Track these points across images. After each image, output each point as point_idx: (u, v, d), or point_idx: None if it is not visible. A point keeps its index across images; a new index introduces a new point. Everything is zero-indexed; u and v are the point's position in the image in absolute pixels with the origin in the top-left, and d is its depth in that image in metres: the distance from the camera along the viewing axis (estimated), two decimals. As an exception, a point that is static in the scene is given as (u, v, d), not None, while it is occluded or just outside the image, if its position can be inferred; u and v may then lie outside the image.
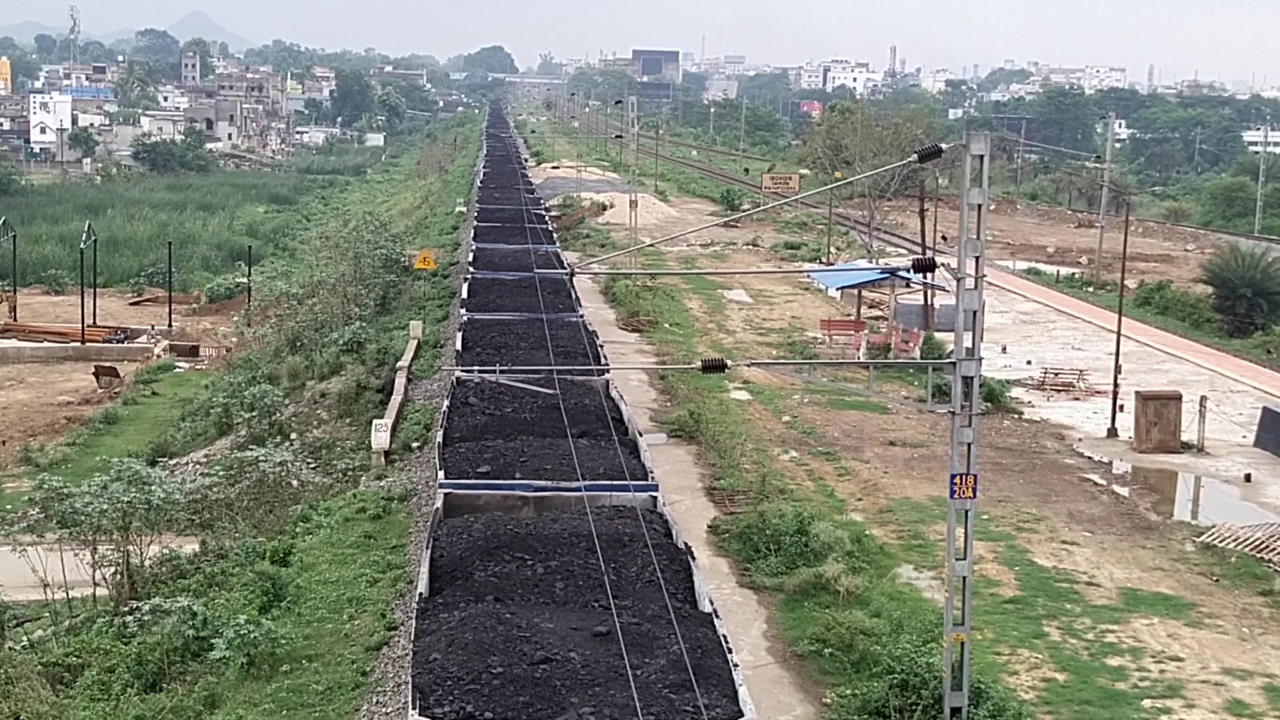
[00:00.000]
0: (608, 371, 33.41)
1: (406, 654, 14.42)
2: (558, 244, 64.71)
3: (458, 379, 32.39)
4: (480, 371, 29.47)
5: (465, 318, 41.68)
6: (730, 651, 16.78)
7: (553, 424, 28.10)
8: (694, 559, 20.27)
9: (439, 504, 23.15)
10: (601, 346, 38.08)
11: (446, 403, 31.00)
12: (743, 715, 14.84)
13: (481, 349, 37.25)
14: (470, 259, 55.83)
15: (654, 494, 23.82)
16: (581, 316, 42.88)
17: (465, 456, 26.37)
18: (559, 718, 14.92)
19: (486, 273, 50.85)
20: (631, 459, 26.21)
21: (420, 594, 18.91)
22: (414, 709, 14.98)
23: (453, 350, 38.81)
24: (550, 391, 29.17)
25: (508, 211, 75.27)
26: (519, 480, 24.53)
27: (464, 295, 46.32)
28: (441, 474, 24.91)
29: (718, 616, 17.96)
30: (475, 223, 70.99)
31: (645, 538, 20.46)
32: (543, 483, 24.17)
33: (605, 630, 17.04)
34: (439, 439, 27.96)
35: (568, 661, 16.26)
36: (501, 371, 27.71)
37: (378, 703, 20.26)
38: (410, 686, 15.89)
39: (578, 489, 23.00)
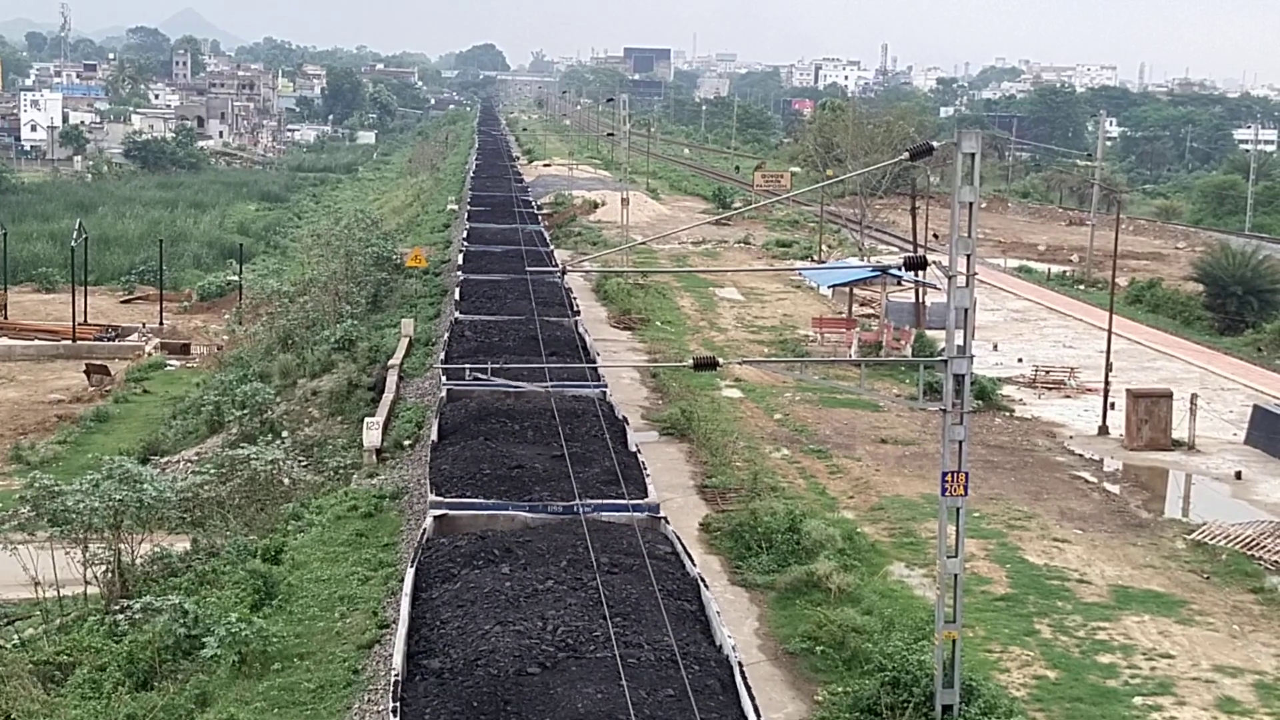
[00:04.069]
0: (579, 315, 41.23)
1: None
2: (541, 224, 71.20)
3: (455, 319, 39.21)
4: (473, 369, 30.36)
5: (461, 278, 47.57)
6: (645, 468, 24.19)
7: (531, 349, 34.71)
8: (628, 424, 27.77)
9: (443, 394, 30.33)
10: (576, 300, 43.97)
11: (447, 335, 38.01)
12: (647, 496, 22.27)
13: (476, 298, 43.38)
14: (465, 235, 61.61)
15: (604, 389, 30.78)
16: (560, 278, 47.26)
17: (461, 369, 32.05)
18: (527, 497, 22.45)
19: (479, 246, 57.28)
20: (591, 372, 32.74)
21: (432, 441, 26.67)
22: (432, 493, 22.54)
23: (452, 300, 45.23)
24: (541, 389, 29.63)
25: (498, 198, 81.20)
26: (502, 381, 30.45)
27: (460, 262, 52.91)
28: (444, 377, 31.84)
29: (641, 453, 25.48)
30: (469, 206, 77.26)
31: (596, 413, 27.70)
32: (520, 382, 30.20)
33: (559, 454, 24.01)
34: (441, 357, 34.89)
35: (533, 469, 24.05)
36: (494, 370, 28.74)
37: (369, 700, 20.28)
38: (429, 484, 23.60)
39: (547, 386, 29.30)
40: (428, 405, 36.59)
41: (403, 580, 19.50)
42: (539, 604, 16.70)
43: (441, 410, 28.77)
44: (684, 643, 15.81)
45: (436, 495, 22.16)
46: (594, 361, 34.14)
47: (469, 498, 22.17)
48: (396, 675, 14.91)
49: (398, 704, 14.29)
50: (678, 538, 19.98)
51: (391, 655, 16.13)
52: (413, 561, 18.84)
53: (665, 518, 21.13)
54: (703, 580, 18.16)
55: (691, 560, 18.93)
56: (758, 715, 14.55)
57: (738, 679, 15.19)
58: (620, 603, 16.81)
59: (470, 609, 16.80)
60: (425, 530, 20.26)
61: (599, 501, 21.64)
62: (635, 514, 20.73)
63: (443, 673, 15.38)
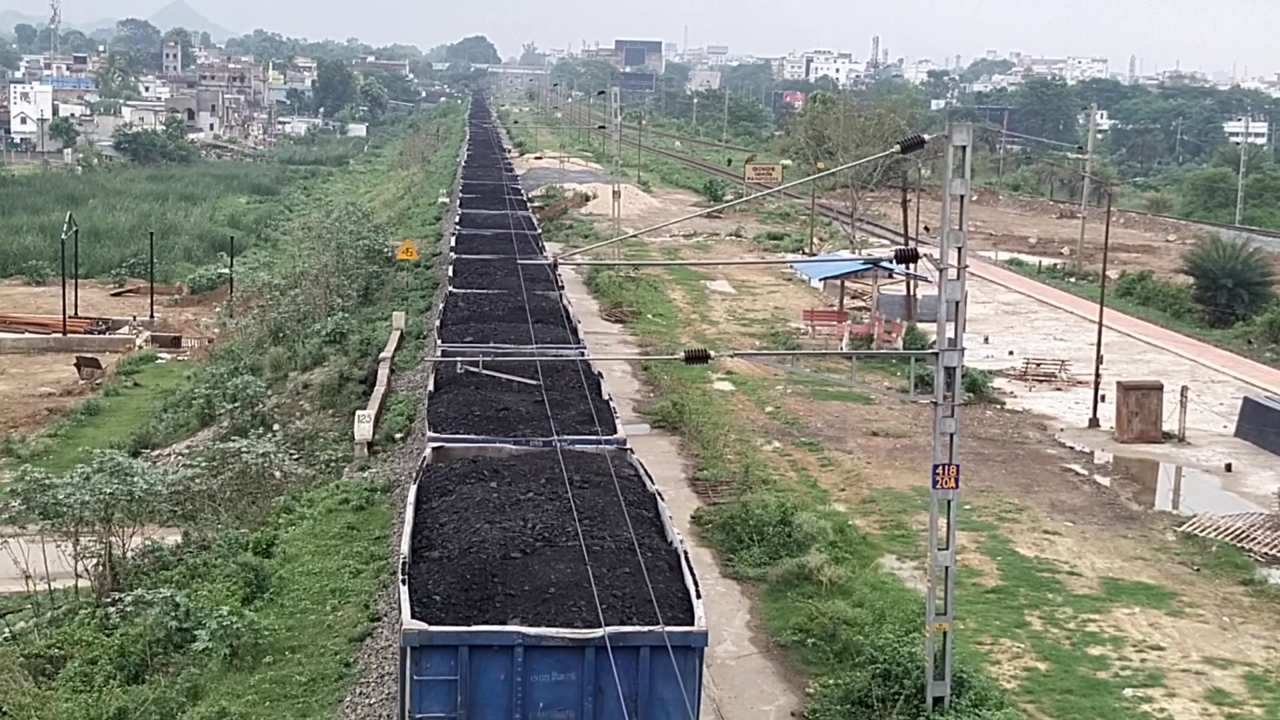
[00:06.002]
0: (563, 289, 43.73)
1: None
2: (530, 210, 72.57)
3: (450, 292, 41.80)
4: (465, 362, 30.68)
5: (455, 258, 49.60)
6: (616, 413, 26.70)
7: (519, 318, 36.72)
8: (602, 376, 30.21)
9: (438, 353, 32.87)
10: (560, 277, 46.05)
11: (442, 305, 40.55)
12: (616, 433, 24.85)
13: (468, 274, 45.62)
14: (458, 219, 63.00)
15: (583, 350, 33.07)
16: (547, 260, 48.59)
17: (455, 333, 35.03)
18: (512, 433, 25.05)
19: (471, 230, 59.00)
20: (572, 336, 35.27)
21: (430, 391, 29.45)
22: (430, 430, 25.30)
23: (446, 277, 47.57)
24: (534, 383, 29.71)
25: (489, 186, 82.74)
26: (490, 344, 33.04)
27: (452, 244, 55.05)
28: (439, 342, 34.26)
29: (612, 400, 28.07)
30: (461, 194, 78.88)
31: (576, 369, 29.91)
32: (508, 345, 32.77)
33: (540, 400, 26.65)
34: (437, 324, 37.70)
35: (518, 411, 26.78)
36: (485, 362, 28.98)
37: (361, 694, 20.29)
38: (426, 423, 26.64)
39: (531, 350, 31.57)
40: (419, 399, 36.79)
41: (406, 494, 22.68)
42: (521, 510, 19.76)
43: (437, 370, 31.71)
44: (640, 537, 18.67)
45: (433, 431, 25.08)
46: (575, 328, 36.48)
47: (462, 434, 25.08)
48: (405, 559, 17.65)
49: (405, 577, 16.97)
50: (641, 465, 22.98)
51: (400, 544, 18.94)
52: (415, 480, 21.67)
53: (631, 449, 24.03)
54: (660, 495, 21.03)
55: (651, 480, 22.08)
56: (697, 586, 17.08)
57: (683, 563, 17.95)
58: (589, 509, 19.84)
59: (464, 514, 19.71)
60: (425, 458, 23.05)
61: (574, 436, 24.55)
62: (605, 446, 23.79)
63: (441, 559, 18.23)
